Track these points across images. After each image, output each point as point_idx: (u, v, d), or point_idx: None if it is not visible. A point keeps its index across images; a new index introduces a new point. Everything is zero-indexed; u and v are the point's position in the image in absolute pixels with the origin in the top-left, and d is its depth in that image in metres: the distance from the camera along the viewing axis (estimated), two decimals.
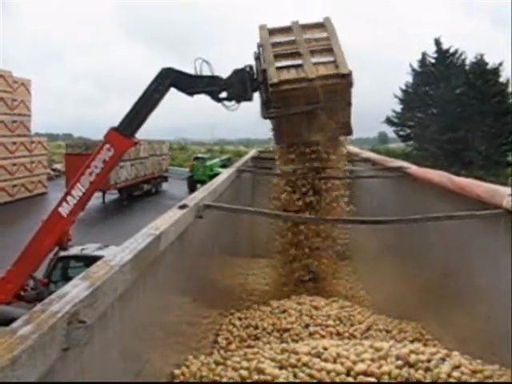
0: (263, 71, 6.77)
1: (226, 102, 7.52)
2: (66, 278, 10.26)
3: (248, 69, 7.32)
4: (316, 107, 6.62)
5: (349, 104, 6.78)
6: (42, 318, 1.28)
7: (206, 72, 7.44)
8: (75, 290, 1.49)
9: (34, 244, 8.33)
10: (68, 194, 8.19)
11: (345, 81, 6.58)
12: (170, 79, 7.46)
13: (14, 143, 26.44)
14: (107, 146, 7.87)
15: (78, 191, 8.06)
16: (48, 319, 1.28)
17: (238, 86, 7.32)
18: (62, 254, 10.39)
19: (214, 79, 7.46)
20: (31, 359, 1.15)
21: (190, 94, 7.62)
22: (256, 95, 7.37)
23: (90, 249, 11.05)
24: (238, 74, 7.35)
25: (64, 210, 8.16)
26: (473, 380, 2.45)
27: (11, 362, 1.07)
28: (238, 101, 7.49)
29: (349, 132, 7.12)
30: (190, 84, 7.51)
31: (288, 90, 6.57)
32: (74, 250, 10.80)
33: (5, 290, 8.35)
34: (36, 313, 1.32)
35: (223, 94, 7.48)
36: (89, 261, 10.22)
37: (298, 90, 6.59)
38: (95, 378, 1.62)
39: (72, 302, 1.40)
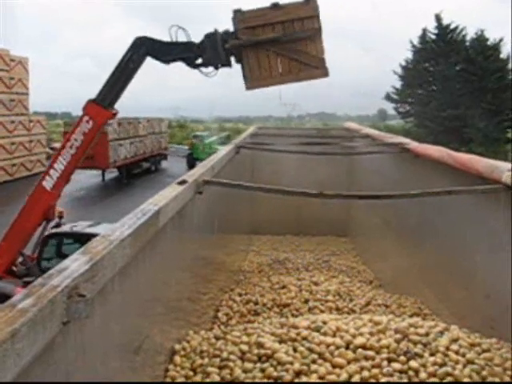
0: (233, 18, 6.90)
1: (205, 69, 7.45)
2: (57, 255, 10.39)
3: (221, 32, 7.23)
4: (282, 35, 6.62)
5: (318, 32, 6.71)
6: (42, 291, 1.28)
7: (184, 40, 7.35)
8: (75, 264, 1.48)
9: (21, 219, 8.37)
10: (50, 167, 8.22)
11: (308, 6, 6.57)
12: (143, 47, 7.38)
13: (13, 122, 26.31)
14: (86, 118, 7.85)
15: (59, 165, 8.06)
16: (48, 293, 1.28)
17: (210, 51, 7.23)
18: (53, 231, 10.49)
19: (187, 45, 7.37)
20: (31, 332, 1.15)
21: (166, 61, 7.56)
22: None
23: (81, 226, 11.09)
24: (210, 37, 7.26)
25: (48, 183, 8.17)
26: (471, 353, 2.47)
27: (11, 336, 1.07)
28: (216, 67, 7.41)
29: (324, 71, 7.03)
30: (165, 51, 7.44)
31: (252, 17, 6.62)
32: (65, 228, 10.89)
33: None
34: (36, 287, 1.32)
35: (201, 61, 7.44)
36: (79, 238, 10.36)
37: (262, 17, 6.63)
38: (95, 352, 1.63)
39: (72, 276, 1.39)
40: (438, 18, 41.28)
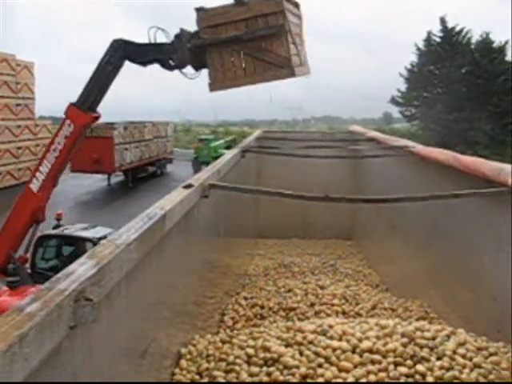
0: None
1: (185, 70, 7.35)
2: (48, 257, 10.49)
3: (191, 32, 7.10)
4: (245, 33, 6.38)
5: (283, 29, 6.44)
6: (49, 295, 1.29)
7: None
8: (81, 268, 1.49)
9: (11, 221, 8.49)
10: (36, 170, 8.34)
11: (272, 1, 6.34)
12: (120, 50, 7.34)
13: (19, 127, 26.43)
14: (67, 121, 7.91)
15: (45, 167, 8.17)
16: (55, 297, 1.28)
17: (179, 51, 7.11)
18: (45, 232, 10.59)
19: (161, 46, 7.27)
20: (39, 337, 1.15)
21: (142, 63, 7.48)
22: None
23: (73, 229, 11.17)
24: (179, 37, 7.14)
25: (34, 186, 8.28)
26: (478, 357, 2.46)
27: (19, 340, 1.08)
28: (196, 68, 7.30)
29: (290, 71, 6.77)
30: (141, 53, 7.37)
31: (214, 15, 6.41)
32: (57, 230, 11.04)
33: None
34: (43, 291, 1.32)
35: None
36: (69, 240, 10.45)
37: (225, 15, 6.40)
38: (102, 356, 1.63)
39: (78, 280, 1.40)
40: (442, 21, 41.25)
